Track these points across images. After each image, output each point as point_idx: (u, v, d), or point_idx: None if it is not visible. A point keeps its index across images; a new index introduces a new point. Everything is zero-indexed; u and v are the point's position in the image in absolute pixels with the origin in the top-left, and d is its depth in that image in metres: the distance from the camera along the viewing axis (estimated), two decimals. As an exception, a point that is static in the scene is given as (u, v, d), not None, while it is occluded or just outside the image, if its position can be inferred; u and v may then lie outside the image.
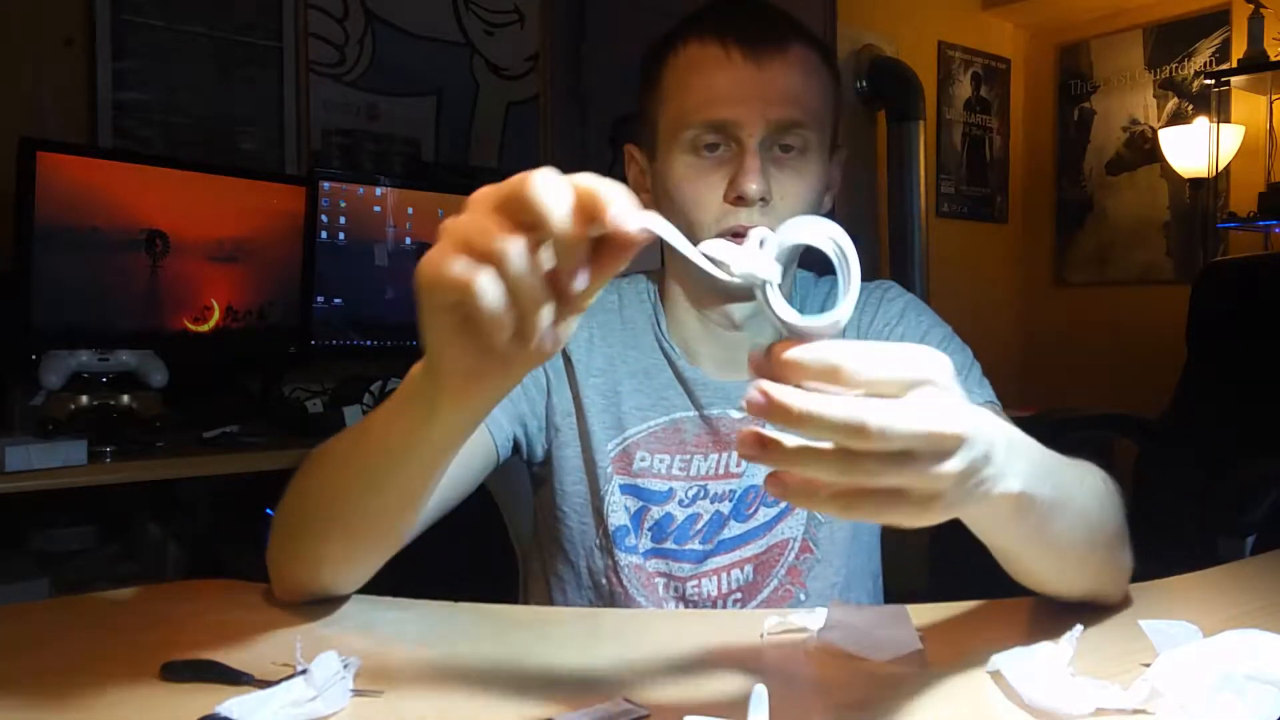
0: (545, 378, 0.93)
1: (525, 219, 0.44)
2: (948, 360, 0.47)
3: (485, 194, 0.46)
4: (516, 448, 0.93)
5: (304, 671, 0.55)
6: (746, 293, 0.85)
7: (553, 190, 0.43)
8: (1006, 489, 0.51)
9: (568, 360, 0.93)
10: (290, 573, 0.73)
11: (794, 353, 0.43)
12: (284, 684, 0.55)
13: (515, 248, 0.44)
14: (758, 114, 0.83)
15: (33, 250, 1.74)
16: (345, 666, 0.57)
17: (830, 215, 0.92)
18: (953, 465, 0.45)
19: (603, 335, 0.95)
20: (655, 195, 0.91)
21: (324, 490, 0.68)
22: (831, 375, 0.43)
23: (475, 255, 0.44)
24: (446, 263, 0.44)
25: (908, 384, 0.44)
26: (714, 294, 0.90)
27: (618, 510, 0.91)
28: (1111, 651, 0.63)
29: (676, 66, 0.88)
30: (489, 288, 0.44)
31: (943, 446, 0.44)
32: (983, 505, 0.50)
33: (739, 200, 0.84)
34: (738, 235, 0.82)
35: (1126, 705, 0.53)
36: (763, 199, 0.84)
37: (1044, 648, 0.58)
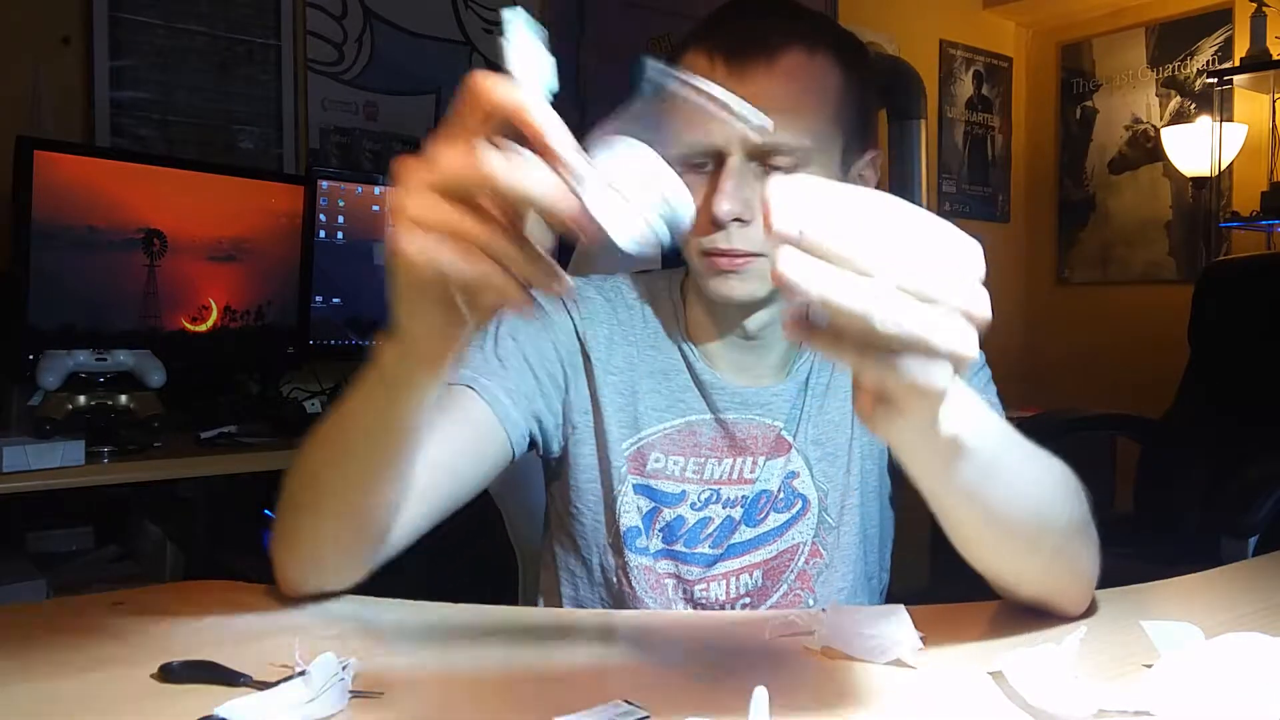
0: (563, 374, 0.92)
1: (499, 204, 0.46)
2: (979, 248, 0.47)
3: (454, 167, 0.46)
4: (532, 443, 0.92)
5: (303, 672, 0.55)
6: (760, 304, 0.86)
7: (534, 179, 0.45)
8: (948, 427, 0.51)
9: (586, 357, 0.92)
10: (288, 561, 0.73)
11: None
12: (283, 685, 0.54)
13: (496, 240, 0.46)
14: (736, 134, 0.79)
15: (30, 250, 1.73)
16: (344, 667, 0.56)
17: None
18: (970, 347, 0.46)
19: (623, 334, 0.94)
20: None
21: (311, 475, 0.68)
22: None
23: (454, 238, 0.46)
24: (422, 248, 0.47)
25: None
26: (727, 307, 0.88)
27: (630, 511, 0.91)
28: (1113, 652, 0.63)
29: None
30: (468, 269, 0.47)
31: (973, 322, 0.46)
32: (926, 436, 0.51)
33: (713, 222, 0.81)
34: (716, 255, 0.82)
35: (1128, 707, 0.52)
36: (738, 219, 0.81)
37: (1047, 649, 0.57)
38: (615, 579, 0.92)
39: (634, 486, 0.91)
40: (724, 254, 0.82)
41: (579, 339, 0.92)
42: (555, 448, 0.93)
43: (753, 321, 0.89)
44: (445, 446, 0.76)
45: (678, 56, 0.86)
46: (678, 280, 0.97)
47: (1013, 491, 0.60)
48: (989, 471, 0.57)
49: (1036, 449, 0.65)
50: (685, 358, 0.93)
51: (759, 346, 0.91)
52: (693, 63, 0.83)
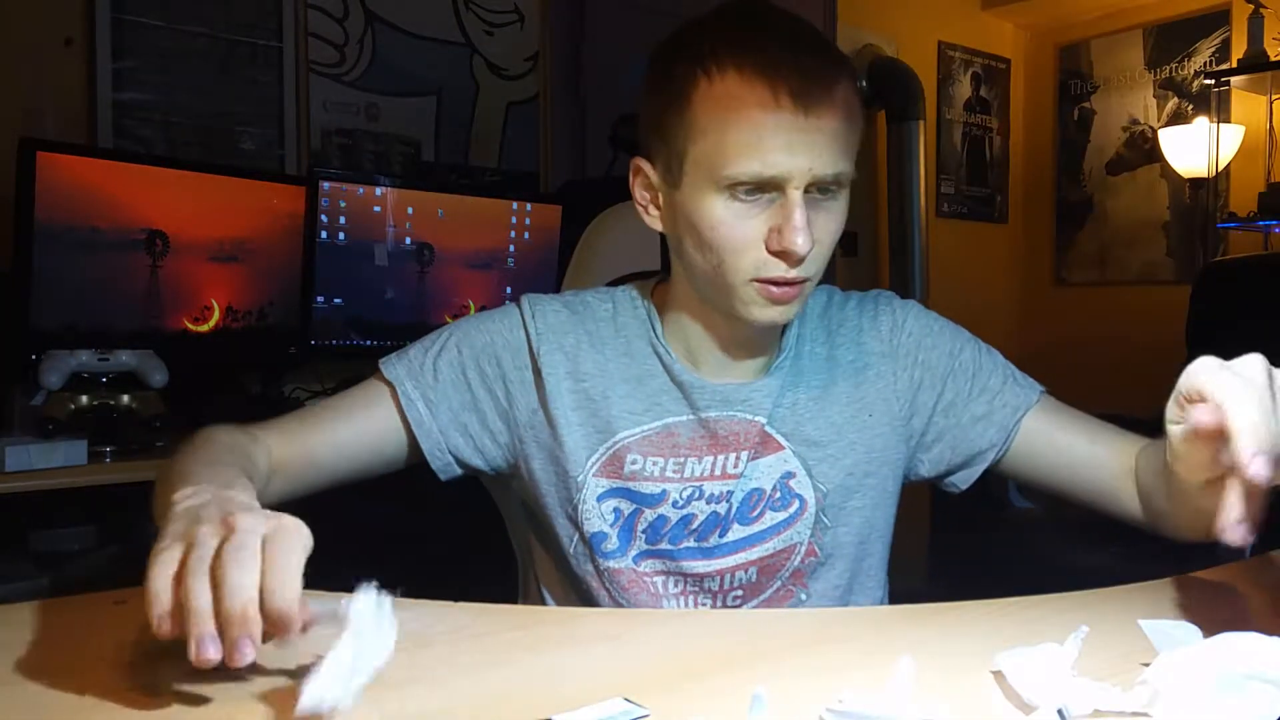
0: (505, 390, 0.92)
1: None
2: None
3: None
4: (465, 461, 0.94)
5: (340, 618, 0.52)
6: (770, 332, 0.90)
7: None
8: None
9: (537, 373, 0.92)
10: None
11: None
12: (331, 655, 0.51)
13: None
14: (805, 168, 0.79)
15: (33, 250, 1.74)
16: (379, 600, 0.54)
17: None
18: None
19: (591, 342, 0.94)
20: (674, 221, 0.87)
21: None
22: None
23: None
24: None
25: None
26: (748, 325, 0.88)
27: (592, 517, 0.91)
28: (1111, 652, 0.63)
29: (714, 97, 0.80)
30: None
31: None
32: None
33: (783, 254, 0.81)
34: (776, 284, 0.82)
35: (1126, 708, 0.53)
36: None
37: (1048, 648, 0.58)
38: (591, 584, 0.93)
39: (602, 492, 0.91)
40: (780, 283, 0.82)
41: (531, 355, 0.93)
42: (502, 462, 0.95)
43: (760, 336, 0.91)
44: (350, 431, 0.90)
45: (706, 71, 0.81)
46: (648, 289, 0.96)
47: None
48: None
49: None
50: (662, 361, 0.93)
51: (742, 351, 0.92)
52: (749, 90, 0.79)
